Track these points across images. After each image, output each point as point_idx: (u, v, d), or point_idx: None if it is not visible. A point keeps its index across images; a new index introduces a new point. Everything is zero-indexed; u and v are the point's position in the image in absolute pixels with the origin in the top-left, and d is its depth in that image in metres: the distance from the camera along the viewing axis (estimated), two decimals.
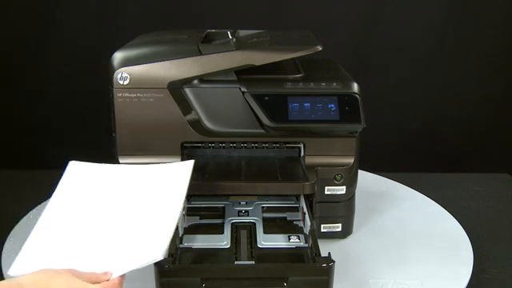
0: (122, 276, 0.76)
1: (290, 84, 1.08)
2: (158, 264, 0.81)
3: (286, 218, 1.10)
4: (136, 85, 1.06)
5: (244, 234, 1.04)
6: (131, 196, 0.93)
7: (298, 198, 1.13)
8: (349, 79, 1.11)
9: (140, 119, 1.07)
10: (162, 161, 1.08)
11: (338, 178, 1.10)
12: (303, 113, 1.05)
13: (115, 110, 1.07)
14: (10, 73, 2.03)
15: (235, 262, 0.94)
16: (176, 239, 0.92)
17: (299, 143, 1.11)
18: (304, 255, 0.95)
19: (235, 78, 1.07)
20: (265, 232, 1.04)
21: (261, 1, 2.00)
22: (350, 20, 2.04)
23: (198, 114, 1.07)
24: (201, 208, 1.12)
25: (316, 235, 0.94)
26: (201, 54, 1.06)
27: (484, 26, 2.05)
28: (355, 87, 1.08)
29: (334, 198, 1.11)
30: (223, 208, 1.14)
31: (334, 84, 1.08)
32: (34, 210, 1.27)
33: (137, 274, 0.78)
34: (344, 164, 1.10)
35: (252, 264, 0.92)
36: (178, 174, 0.95)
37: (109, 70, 1.06)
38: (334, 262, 0.83)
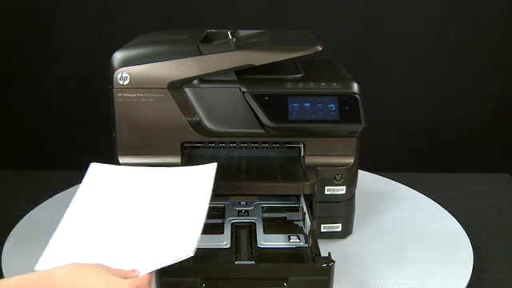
0: (151, 273, 0.76)
1: (289, 84, 1.08)
2: None
3: (286, 217, 1.10)
4: (136, 85, 1.06)
5: (244, 233, 1.04)
6: (155, 196, 0.93)
7: (298, 198, 1.13)
8: (349, 79, 1.11)
9: (140, 119, 1.07)
10: (162, 161, 1.08)
11: (338, 178, 1.10)
12: (303, 113, 1.05)
13: (115, 110, 1.07)
14: (10, 73, 2.03)
15: (235, 262, 0.94)
16: None
17: (299, 143, 1.11)
18: (304, 255, 0.95)
19: (235, 78, 1.07)
20: (265, 232, 1.04)
21: (261, 1, 2.00)
22: (350, 20, 2.03)
23: (198, 113, 1.07)
24: None
25: (316, 235, 0.94)
26: (201, 53, 1.06)
27: (484, 25, 2.05)
28: (355, 87, 1.08)
29: (334, 198, 1.11)
30: (223, 208, 1.14)
31: (334, 84, 1.08)
32: (34, 210, 1.27)
33: None
34: (344, 164, 1.10)
35: (252, 264, 0.93)
36: (201, 176, 0.95)
37: (109, 70, 1.06)
38: (334, 261, 0.83)
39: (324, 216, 1.13)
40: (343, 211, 1.14)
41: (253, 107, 1.06)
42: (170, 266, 0.78)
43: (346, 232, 1.16)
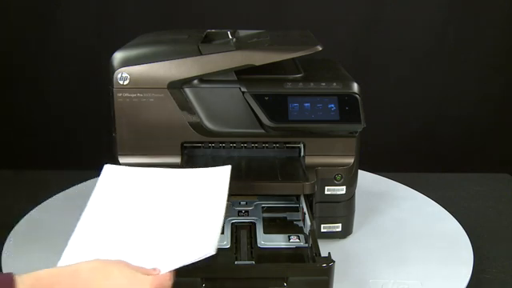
0: (171, 272, 0.76)
1: (289, 84, 1.08)
2: None
3: (286, 217, 1.10)
4: (136, 85, 1.06)
5: (244, 233, 1.04)
6: (172, 197, 0.93)
7: (298, 197, 1.13)
8: (349, 79, 1.11)
9: (140, 119, 1.07)
10: (162, 161, 1.08)
11: (338, 178, 1.10)
12: (303, 113, 1.05)
13: (115, 110, 1.07)
14: (10, 73, 2.03)
15: (235, 262, 0.94)
16: None
17: (299, 143, 1.11)
18: (304, 255, 0.95)
19: (235, 78, 1.07)
20: (265, 232, 1.04)
21: (261, 1, 2.00)
22: (350, 20, 2.03)
23: (198, 113, 1.07)
24: None
25: (316, 235, 0.94)
26: (201, 53, 1.06)
27: (484, 25, 2.05)
28: (355, 87, 1.08)
29: (334, 198, 1.11)
30: None
31: (334, 84, 1.08)
32: (34, 210, 1.27)
33: None
34: (344, 164, 1.10)
35: (252, 264, 0.93)
36: (216, 177, 0.95)
37: (109, 70, 1.06)
38: (334, 261, 0.83)
39: (324, 216, 1.13)
40: (343, 211, 1.14)
41: (253, 107, 1.06)
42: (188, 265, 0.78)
43: (345, 232, 1.16)
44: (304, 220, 1.05)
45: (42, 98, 2.06)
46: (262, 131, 1.08)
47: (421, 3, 2.02)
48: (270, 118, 1.05)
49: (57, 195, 1.35)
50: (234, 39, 1.20)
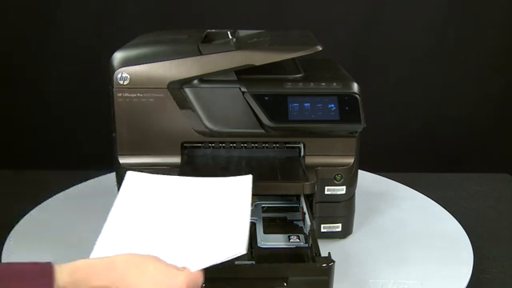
0: (202, 271, 0.76)
1: (289, 84, 1.08)
2: None
3: (286, 217, 1.10)
4: (136, 85, 1.06)
5: None
6: (196, 202, 0.93)
7: (298, 198, 1.13)
8: (349, 79, 1.11)
9: (140, 119, 1.07)
10: (162, 161, 1.08)
11: (338, 178, 1.10)
12: (303, 113, 1.05)
13: (115, 110, 1.07)
14: (10, 73, 2.04)
15: (235, 262, 0.94)
16: None
17: (299, 143, 1.11)
18: (304, 255, 0.95)
19: (235, 78, 1.07)
20: (265, 232, 1.04)
21: (261, 1, 2.00)
22: (350, 20, 2.04)
23: (198, 114, 1.07)
24: None
25: (316, 235, 0.94)
26: (201, 53, 1.06)
27: (484, 25, 2.05)
28: (355, 87, 1.08)
29: (334, 198, 1.11)
30: None
31: (334, 84, 1.08)
32: (34, 210, 1.27)
33: None
34: (344, 164, 1.10)
35: (252, 264, 0.93)
36: (238, 185, 0.96)
37: (109, 70, 1.06)
38: (334, 262, 0.83)
39: (324, 216, 1.13)
40: (343, 211, 1.14)
41: (253, 107, 1.06)
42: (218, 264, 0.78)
43: (346, 232, 1.16)
44: (304, 220, 1.05)
45: (42, 98, 2.06)
46: (262, 131, 1.08)
47: (421, 3, 2.02)
48: (270, 118, 1.05)
49: (57, 195, 1.35)
50: (234, 39, 1.20)
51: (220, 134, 1.08)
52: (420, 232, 1.20)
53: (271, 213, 1.12)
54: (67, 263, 0.68)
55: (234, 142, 1.11)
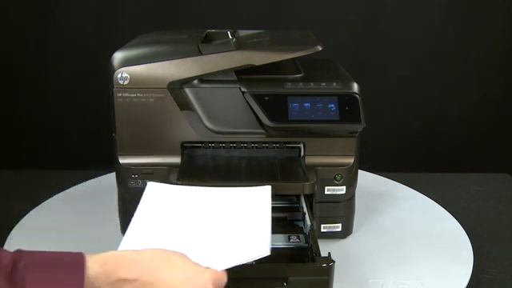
0: (225, 271, 0.76)
1: (289, 84, 1.08)
2: None
3: (286, 217, 1.10)
4: (136, 85, 1.05)
5: None
6: (217, 211, 0.94)
7: (298, 197, 1.13)
8: (349, 79, 1.11)
9: (140, 119, 1.07)
10: (162, 161, 1.08)
11: (338, 178, 1.10)
12: (303, 113, 1.05)
13: (115, 110, 1.07)
14: (10, 73, 2.03)
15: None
16: None
17: (299, 143, 1.11)
18: (304, 255, 0.95)
19: (235, 78, 1.07)
20: None
21: (261, 1, 2.00)
22: (350, 20, 2.03)
23: (198, 114, 1.07)
24: None
25: (316, 235, 0.94)
26: (201, 53, 1.06)
27: (484, 25, 2.05)
28: (355, 87, 1.08)
29: (334, 198, 1.12)
30: None
31: (334, 84, 1.08)
32: (33, 210, 1.27)
33: None
34: (344, 164, 1.10)
35: (252, 264, 0.92)
36: (257, 195, 0.96)
37: (109, 70, 1.06)
38: (334, 261, 0.83)
39: (324, 216, 1.13)
40: (343, 211, 1.14)
41: (253, 107, 1.06)
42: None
43: (346, 232, 1.16)
44: (304, 220, 1.05)
45: (42, 98, 2.06)
46: (262, 131, 1.08)
47: (421, 3, 2.02)
48: (270, 118, 1.05)
49: (57, 195, 1.35)
50: (234, 39, 1.20)
51: (220, 134, 1.08)
52: (420, 232, 1.20)
53: (271, 213, 1.12)
54: (97, 254, 0.69)
55: (233, 142, 1.11)
